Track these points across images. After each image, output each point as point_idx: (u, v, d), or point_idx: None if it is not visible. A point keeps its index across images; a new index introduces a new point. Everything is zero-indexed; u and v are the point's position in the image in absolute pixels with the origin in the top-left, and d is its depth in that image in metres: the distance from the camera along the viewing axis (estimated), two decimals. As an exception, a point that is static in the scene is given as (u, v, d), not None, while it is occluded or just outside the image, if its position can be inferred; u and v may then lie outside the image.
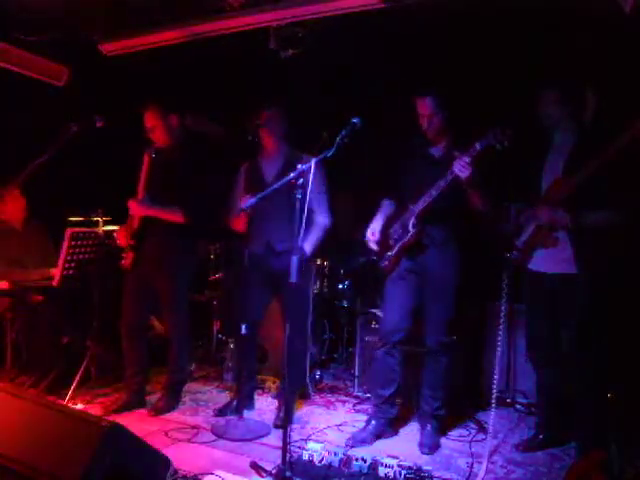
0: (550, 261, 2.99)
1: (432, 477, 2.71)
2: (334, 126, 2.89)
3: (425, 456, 3.13)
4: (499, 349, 3.05)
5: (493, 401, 3.02)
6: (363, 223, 3.45)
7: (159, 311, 3.89)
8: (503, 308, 3.05)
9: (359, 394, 4.11)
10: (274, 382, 4.25)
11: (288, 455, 2.67)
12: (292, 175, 2.81)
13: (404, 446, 3.26)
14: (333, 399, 4.10)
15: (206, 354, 4.99)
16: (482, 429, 3.48)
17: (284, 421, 2.83)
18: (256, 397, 3.94)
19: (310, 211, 3.44)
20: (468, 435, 3.44)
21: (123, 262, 3.63)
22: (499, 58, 3.85)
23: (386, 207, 3.43)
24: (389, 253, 3.28)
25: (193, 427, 3.40)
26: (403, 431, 3.48)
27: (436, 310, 3.23)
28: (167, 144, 3.65)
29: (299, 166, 2.82)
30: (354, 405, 3.97)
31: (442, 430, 3.38)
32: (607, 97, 3.04)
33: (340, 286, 4.87)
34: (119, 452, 2.21)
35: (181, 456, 2.94)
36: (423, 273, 3.23)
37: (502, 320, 3.07)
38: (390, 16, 3.41)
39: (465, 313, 3.39)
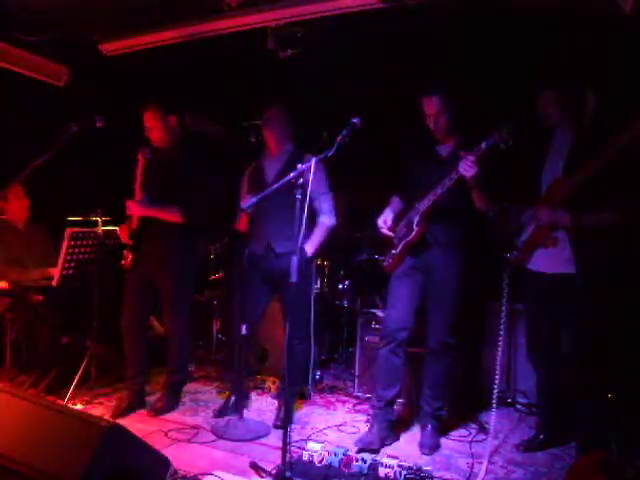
0: (550, 261, 2.99)
1: (432, 477, 2.71)
2: (334, 126, 2.88)
3: (425, 456, 3.12)
4: (499, 349, 3.05)
5: (494, 401, 3.02)
6: (363, 223, 3.44)
7: (159, 311, 3.89)
8: (503, 308, 3.04)
9: (359, 394, 4.10)
10: (274, 382, 4.25)
11: (288, 455, 2.66)
12: (291, 175, 2.79)
13: (404, 446, 3.26)
14: (333, 399, 4.10)
15: (206, 354, 5.00)
16: (483, 429, 3.48)
17: (284, 421, 2.82)
18: (256, 397, 3.94)
19: (313, 211, 3.45)
20: (468, 435, 3.43)
21: (123, 262, 3.63)
22: (499, 58, 3.85)
23: (395, 204, 3.42)
24: (393, 251, 3.27)
25: (193, 427, 3.40)
26: (403, 431, 3.47)
27: (439, 310, 3.22)
28: (166, 144, 3.65)
29: (299, 166, 2.80)
30: (354, 405, 3.96)
31: (442, 430, 3.38)
32: (607, 97, 3.03)
33: (340, 286, 4.87)
34: (119, 452, 2.21)
35: (181, 456, 2.94)
36: (427, 272, 3.22)
37: (502, 320, 3.06)
38: (389, 16, 3.40)
39: (465, 313, 3.38)
